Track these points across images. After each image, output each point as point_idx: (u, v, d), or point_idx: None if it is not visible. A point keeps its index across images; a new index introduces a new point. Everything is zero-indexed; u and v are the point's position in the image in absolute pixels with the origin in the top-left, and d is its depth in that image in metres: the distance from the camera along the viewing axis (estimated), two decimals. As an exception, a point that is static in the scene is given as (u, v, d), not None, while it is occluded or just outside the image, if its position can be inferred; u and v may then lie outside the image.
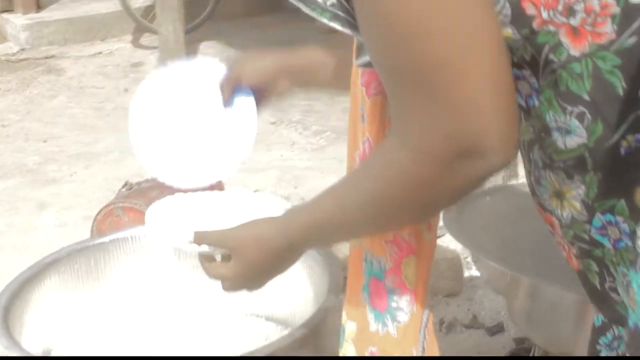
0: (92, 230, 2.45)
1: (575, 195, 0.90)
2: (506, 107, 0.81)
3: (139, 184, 2.52)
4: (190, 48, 4.69)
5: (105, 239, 1.86)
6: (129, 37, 5.21)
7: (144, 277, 1.83)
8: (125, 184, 2.55)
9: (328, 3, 0.91)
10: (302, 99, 4.15)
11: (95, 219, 2.43)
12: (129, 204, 2.38)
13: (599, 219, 0.90)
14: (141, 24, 5.11)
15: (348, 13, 0.91)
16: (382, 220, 0.94)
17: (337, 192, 0.98)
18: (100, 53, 5.02)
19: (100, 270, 1.82)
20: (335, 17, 0.91)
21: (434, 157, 0.83)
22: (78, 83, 4.52)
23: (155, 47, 4.86)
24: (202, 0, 5.25)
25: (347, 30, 0.92)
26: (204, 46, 5.02)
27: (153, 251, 1.85)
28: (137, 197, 2.42)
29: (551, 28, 0.82)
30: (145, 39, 5.15)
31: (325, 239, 1.10)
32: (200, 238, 1.12)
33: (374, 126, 1.13)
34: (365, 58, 0.98)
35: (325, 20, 0.92)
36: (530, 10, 0.82)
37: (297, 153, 3.49)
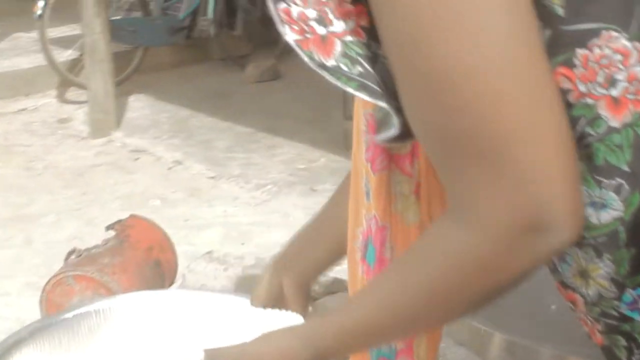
0: (40, 301, 2.36)
1: (603, 274, 0.87)
2: (572, 172, 0.75)
3: (88, 250, 2.44)
4: (119, 102, 4.61)
5: (69, 315, 1.76)
6: (54, 92, 5.09)
7: (112, 354, 1.75)
8: (74, 251, 2.46)
9: (354, 72, 0.84)
10: (240, 151, 4.11)
11: (44, 290, 2.34)
12: (81, 272, 2.31)
13: (629, 294, 0.87)
14: (67, 79, 5.00)
15: (376, 82, 0.85)
16: (434, 315, 0.85)
17: (377, 287, 0.89)
18: (24, 109, 4.88)
19: (64, 349, 1.73)
20: (362, 87, 0.84)
21: (499, 234, 0.75)
22: (4, 141, 4.38)
23: (82, 102, 4.76)
24: (128, 52, 5.18)
25: (377, 101, 0.85)
26: (133, 99, 4.94)
27: (119, 326, 1.77)
28: (88, 264, 2.35)
29: (589, 101, 0.79)
30: (72, 94, 5.04)
31: (360, 344, 0.95)
32: (211, 356, 1.02)
33: (380, 203, 1.08)
34: (388, 133, 0.89)
35: (351, 90, 0.85)
36: (564, 84, 0.79)
37: (240, 208, 3.44)
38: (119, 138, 4.35)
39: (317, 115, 4.52)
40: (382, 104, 0.85)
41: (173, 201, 3.53)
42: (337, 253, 1.26)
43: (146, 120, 4.64)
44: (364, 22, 0.85)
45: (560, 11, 0.78)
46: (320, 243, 1.28)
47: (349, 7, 0.84)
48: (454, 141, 0.76)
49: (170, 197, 3.57)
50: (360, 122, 1.09)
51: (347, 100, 4.02)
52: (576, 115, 0.80)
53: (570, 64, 0.79)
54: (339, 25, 0.84)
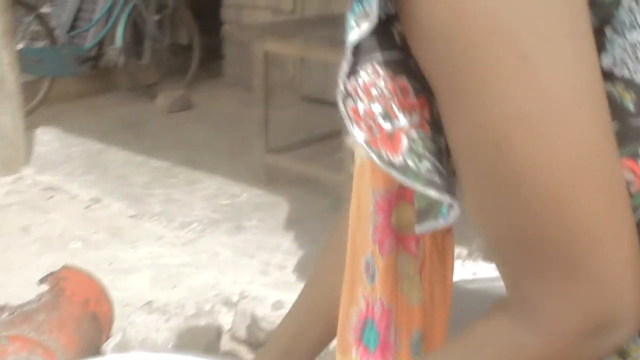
0: (-30, 364, 2.22)
1: None
2: (638, 265, 0.74)
3: (21, 306, 2.31)
4: (26, 135, 4.43)
5: (19, 388, 1.68)
6: (-45, 126, 4.86)
7: None
8: (4, 308, 2.33)
9: (422, 168, 0.81)
10: (159, 187, 4.01)
11: (-26, 351, 2.21)
12: (16, 332, 2.18)
13: None
14: (-31, 112, 4.79)
15: (443, 177, 0.81)
16: None
17: None
18: None
19: None
20: (430, 183, 0.81)
21: (568, 336, 0.73)
22: None
23: (-14, 136, 4.57)
24: (34, 83, 5.01)
25: (443, 196, 0.81)
26: (41, 132, 4.77)
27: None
28: (22, 323, 2.22)
29: None
30: (-26, 127, 4.83)
31: None
32: None
33: (388, 286, 1.04)
34: (435, 224, 0.86)
35: (418, 187, 0.81)
36: (627, 175, 0.78)
37: (166, 249, 3.34)
38: (29, 175, 4.18)
39: (235, 148, 4.46)
40: (448, 200, 0.82)
41: (95, 243, 3.40)
42: (327, 341, 1.22)
43: (57, 155, 4.48)
44: (427, 116, 0.82)
45: (630, 107, 0.77)
46: (309, 332, 1.23)
47: (413, 99, 0.81)
48: (527, 244, 0.73)
49: (91, 238, 3.45)
50: (365, 201, 1.06)
51: (268, 133, 3.98)
52: (635, 205, 0.79)
53: (635, 156, 0.78)
54: (404, 120, 0.81)
